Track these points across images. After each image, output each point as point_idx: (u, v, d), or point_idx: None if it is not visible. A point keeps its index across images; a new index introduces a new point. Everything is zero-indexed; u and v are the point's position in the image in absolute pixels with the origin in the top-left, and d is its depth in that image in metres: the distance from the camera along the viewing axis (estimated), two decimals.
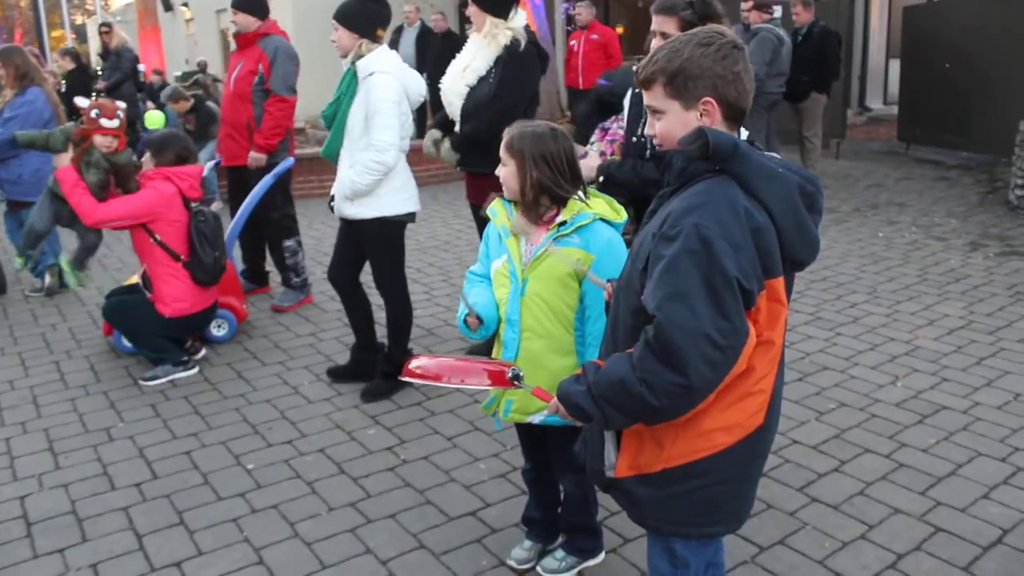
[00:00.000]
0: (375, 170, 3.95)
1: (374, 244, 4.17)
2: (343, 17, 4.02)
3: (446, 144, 4.31)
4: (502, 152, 2.51)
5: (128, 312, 4.69)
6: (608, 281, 2.18)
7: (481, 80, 4.21)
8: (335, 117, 4.16)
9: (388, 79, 3.97)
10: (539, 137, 2.48)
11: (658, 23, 3.03)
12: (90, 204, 4.43)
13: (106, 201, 4.48)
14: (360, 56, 4.02)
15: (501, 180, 2.53)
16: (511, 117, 2.82)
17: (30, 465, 3.71)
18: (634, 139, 3.23)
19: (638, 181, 3.11)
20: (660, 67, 1.82)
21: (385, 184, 4.04)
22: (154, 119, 9.49)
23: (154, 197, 4.49)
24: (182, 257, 4.57)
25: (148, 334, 4.59)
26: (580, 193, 2.50)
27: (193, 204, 4.66)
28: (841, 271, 6.01)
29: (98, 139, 4.59)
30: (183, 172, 4.61)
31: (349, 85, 4.09)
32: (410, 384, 4.25)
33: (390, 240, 4.18)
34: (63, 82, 8.85)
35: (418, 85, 4.22)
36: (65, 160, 4.59)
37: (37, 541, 3.14)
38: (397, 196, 4.10)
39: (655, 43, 2.90)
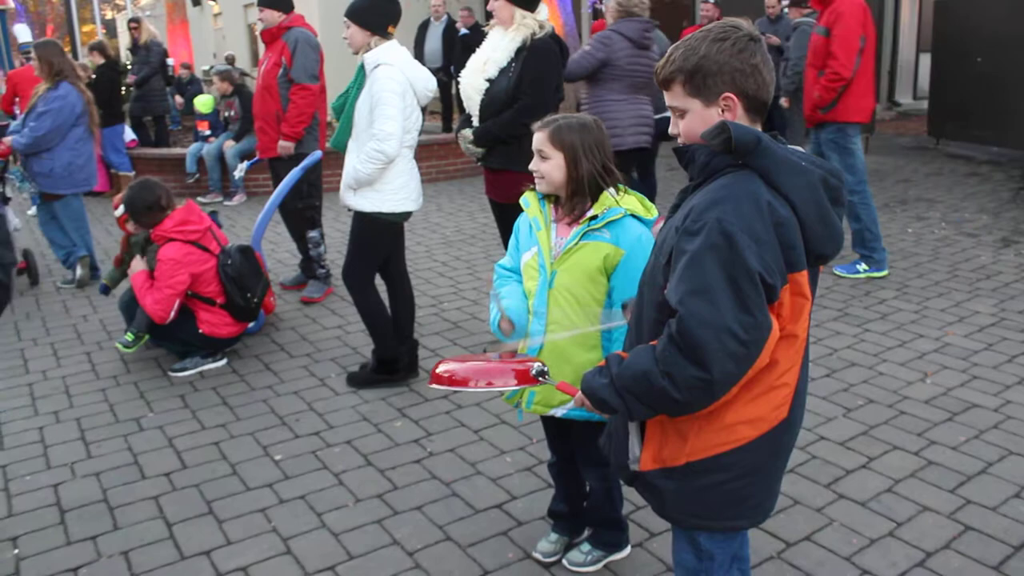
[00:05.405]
0: (376, 159, 3.96)
1: (357, 233, 4.21)
2: (355, 14, 4.04)
3: (468, 136, 4.22)
4: (545, 145, 2.48)
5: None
6: (624, 306, 2.16)
7: (501, 72, 4.12)
8: (344, 108, 4.22)
9: (391, 70, 3.99)
10: (585, 128, 2.47)
11: None
12: (153, 309, 4.41)
13: (155, 297, 4.42)
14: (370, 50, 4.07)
15: (541, 174, 2.50)
16: (535, 116, 2.74)
17: (63, 454, 3.78)
18: None
19: None
20: (678, 66, 1.80)
21: (384, 183, 4.06)
22: (205, 102, 9.55)
23: (176, 267, 4.42)
24: (217, 301, 4.62)
25: (174, 336, 4.62)
26: (612, 189, 2.49)
27: (215, 247, 4.65)
28: None
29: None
30: (180, 227, 4.51)
31: (357, 77, 4.14)
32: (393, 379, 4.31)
33: (374, 236, 4.20)
34: (93, 76, 8.95)
35: (426, 80, 4.18)
36: (140, 265, 4.57)
37: (70, 528, 3.20)
38: (397, 195, 4.11)
39: None
